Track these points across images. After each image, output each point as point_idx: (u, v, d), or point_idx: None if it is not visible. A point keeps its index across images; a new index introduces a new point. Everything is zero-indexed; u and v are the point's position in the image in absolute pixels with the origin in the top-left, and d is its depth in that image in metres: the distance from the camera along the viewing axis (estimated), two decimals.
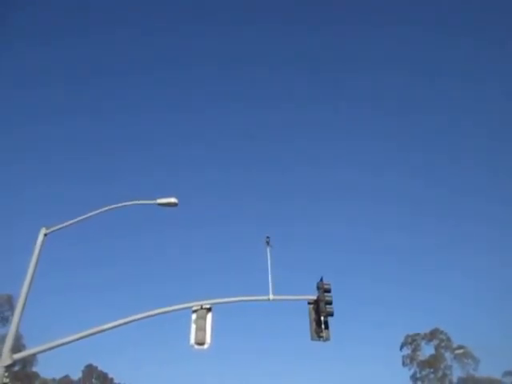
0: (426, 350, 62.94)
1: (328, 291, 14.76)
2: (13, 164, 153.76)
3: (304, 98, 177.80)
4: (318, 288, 14.96)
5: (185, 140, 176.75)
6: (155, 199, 15.53)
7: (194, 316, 13.88)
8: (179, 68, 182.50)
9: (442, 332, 62.52)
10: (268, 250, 16.10)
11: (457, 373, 60.23)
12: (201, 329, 13.52)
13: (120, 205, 15.09)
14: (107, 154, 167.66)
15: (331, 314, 14.43)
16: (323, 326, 14.28)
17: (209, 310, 14.01)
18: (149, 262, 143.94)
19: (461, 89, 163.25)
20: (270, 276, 15.26)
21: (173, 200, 15.50)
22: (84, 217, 14.62)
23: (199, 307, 13.94)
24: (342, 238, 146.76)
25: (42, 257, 13.58)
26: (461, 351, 59.46)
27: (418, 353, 62.93)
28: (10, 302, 47.78)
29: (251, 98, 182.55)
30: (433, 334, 62.85)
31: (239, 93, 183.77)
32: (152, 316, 13.79)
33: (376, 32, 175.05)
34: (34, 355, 37.57)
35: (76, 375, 77.78)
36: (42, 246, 13.69)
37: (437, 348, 62.16)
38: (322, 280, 15.02)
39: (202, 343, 13.38)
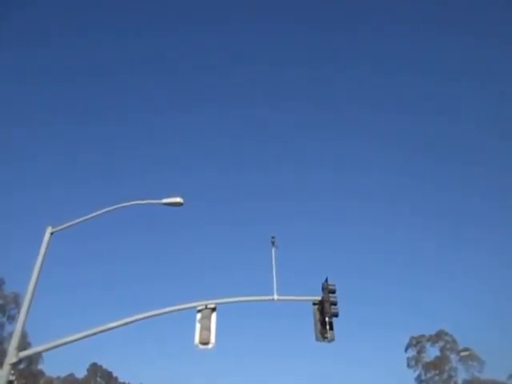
0: (431, 352, 62.58)
1: (333, 292, 14.67)
2: (26, 162, 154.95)
3: (304, 97, 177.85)
4: (323, 289, 14.87)
5: (187, 140, 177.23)
6: (160, 199, 15.56)
7: (198, 315, 13.87)
8: (179, 68, 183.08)
9: (447, 334, 62.06)
10: (273, 250, 16.03)
11: (462, 375, 59.83)
12: (205, 328, 13.50)
13: (125, 204, 15.14)
14: (108, 153, 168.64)
15: (336, 315, 14.35)
16: (328, 327, 14.20)
17: (213, 309, 14.00)
18: (153, 262, 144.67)
19: (461, 89, 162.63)
20: (274, 276, 15.19)
21: (178, 200, 15.50)
22: (90, 216, 14.69)
23: (204, 307, 13.94)
24: (348, 239, 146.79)
25: (47, 255, 13.69)
26: (466, 353, 59.01)
27: (423, 355, 62.49)
28: (16, 301, 48.07)
29: (251, 98, 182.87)
30: (438, 336, 62.37)
31: (240, 93, 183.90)
32: (158, 315, 13.79)
33: (376, 32, 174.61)
34: (39, 353, 37.82)
35: (81, 374, 78.42)
36: (48, 244, 13.78)
37: (442, 350, 61.67)
38: (326, 281, 14.94)
39: (206, 343, 13.36)
